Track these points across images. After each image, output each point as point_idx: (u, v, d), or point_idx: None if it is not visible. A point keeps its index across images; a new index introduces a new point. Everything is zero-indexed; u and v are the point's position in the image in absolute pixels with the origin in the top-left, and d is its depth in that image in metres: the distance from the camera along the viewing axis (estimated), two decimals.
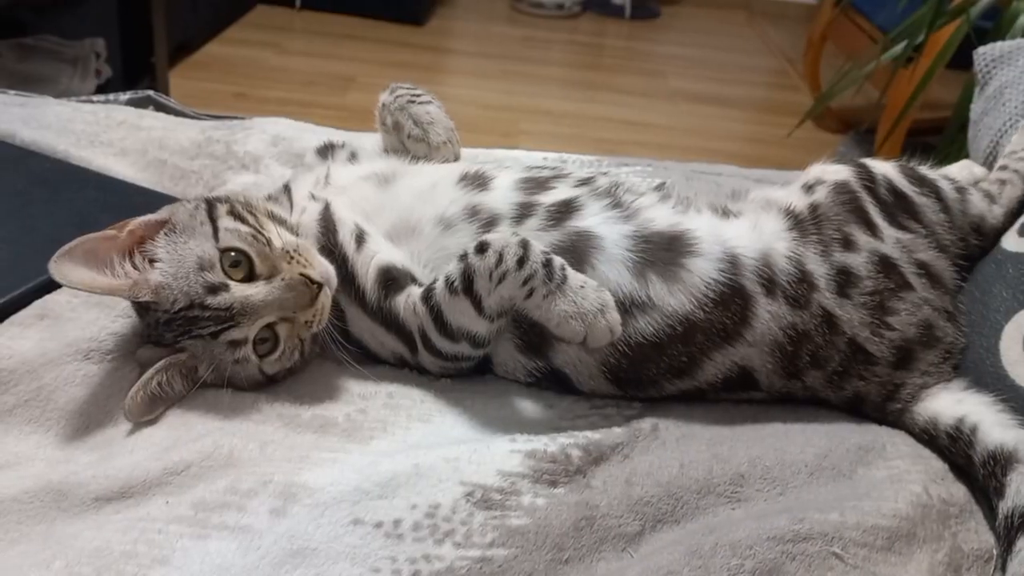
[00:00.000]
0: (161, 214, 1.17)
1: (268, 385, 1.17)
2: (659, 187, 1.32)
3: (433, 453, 1.04)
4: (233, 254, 1.11)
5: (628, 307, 1.14)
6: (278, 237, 1.15)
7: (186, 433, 1.08)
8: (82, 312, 1.23)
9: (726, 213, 1.28)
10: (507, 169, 1.31)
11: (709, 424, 1.16)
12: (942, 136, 2.63)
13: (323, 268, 1.15)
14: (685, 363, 1.16)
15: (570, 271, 1.10)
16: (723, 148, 4.28)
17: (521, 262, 1.08)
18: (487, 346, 1.18)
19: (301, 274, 1.11)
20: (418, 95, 1.40)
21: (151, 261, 1.12)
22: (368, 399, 1.17)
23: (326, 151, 1.39)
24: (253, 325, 1.10)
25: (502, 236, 1.11)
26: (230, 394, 1.14)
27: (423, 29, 5.44)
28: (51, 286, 1.23)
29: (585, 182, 1.28)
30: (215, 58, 4.66)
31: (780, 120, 4.47)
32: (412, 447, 1.08)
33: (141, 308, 1.15)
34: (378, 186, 1.28)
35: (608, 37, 5.92)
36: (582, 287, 1.09)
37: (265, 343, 1.12)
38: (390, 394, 1.18)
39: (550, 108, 4.59)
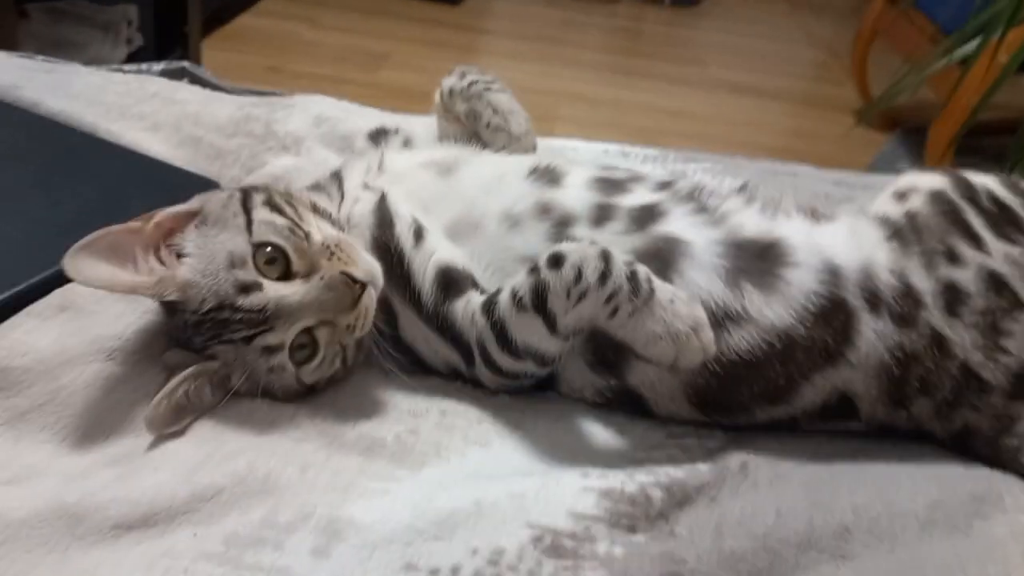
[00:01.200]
0: (192, 204, 1.05)
1: (306, 396, 1.05)
2: (742, 189, 1.18)
3: (495, 487, 0.92)
4: (268, 249, 0.99)
5: (721, 320, 1.01)
6: (318, 231, 1.03)
7: (217, 449, 0.96)
8: (108, 305, 1.11)
9: (817, 217, 1.15)
10: (579, 166, 1.18)
11: (804, 462, 1.03)
12: (1015, 139, 2.47)
13: (367, 266, 1.03)
14: (782, 386, 1.03)
15: (658, 283, 0.97)
16: (763, 141, 4.12)
17: (603, 277, 0.95)
18: (555, 364, 1.05)
19: (342, 272, 0.99)
20: (491, 82, 1.27)
21: (179, 256, 1.00)
22: (419, 417, 1.05)
23: (379, 136, 1.27)
24: (290, 329, 0.98)
25: (579, 247, 0.98)
26: (267, 406, 1.02)
27: (458, 8, 5.30)
28: None
29: (664, 186, 1.15)
30: (248, 30, 4.53)
31: (822, 114, 4.31)
32: (470, 477, 0.96)
33: (169, 308, 1.03)
34: (439, 175, 1.15)
35: (647, 23, 5.75)
36: (671, 302, 0.96)
37: (303, 349, 1.01)
38: (443, 412, 1.06)
39: (587, 93, 4.44)
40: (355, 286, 0.99)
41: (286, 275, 1.00)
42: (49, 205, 1.29)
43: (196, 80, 1.82)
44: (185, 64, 1.84)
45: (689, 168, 1.58)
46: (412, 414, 1.05)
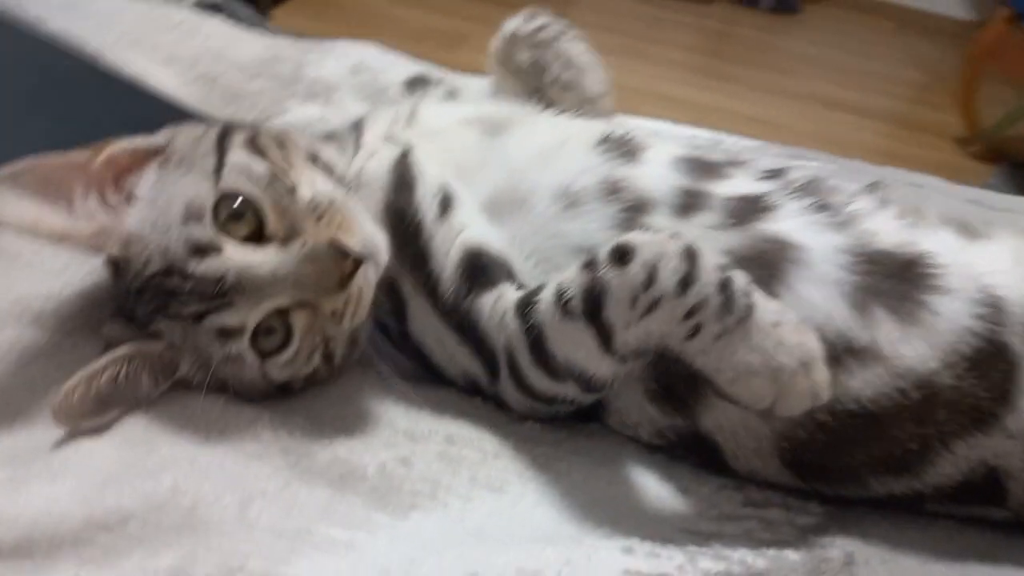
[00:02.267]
0: (156, 138, 0.82)
1: (276, 397, 0.81)
2: (871, 188, 0.90)
3: (502, 557, 0.66)
4: (238, 202, 0.75)
5: (840, 354, 0.74)
6: (309, 185, 0.78)
7: (141, 459, 0.72)
8: (48, 257, 0.88)
9: (971, 233, 0.86)
10: (663, 140, 0.91)
11: (926, 559, 0.76)
12: None
13: (366, 235, 0.78)
14: (912, 452, 0.76)
15: (759, 298, 0.71)
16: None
17: (685, 284, 0.69)
18: (604, 391, 0.79)
19: (331, 240, 0.75)
20: (565, 29, 1.01)
21: (130, 201, 0.77)
22: (417, 441, 0.80)
23: (416, 84, 1.01)
24: (254, 309, 0.74)
25: (655, 239, 0.72)
26: (222, 405, 0.78)
27: None
28: None
29: (773, 174, 0.87)
30: (327, 0, 4.37)
31: (920, 138, 3.99)
32: (472, 535, 0.70)
33: (114, 266, 0.79)
34: (483, 135, 0.90)
35: (741, 27, 5.42)
36: (776, 325, 0.69)
37: (271, 335, 0.76)
38: (449, 438, 0.81)
39: (670, 93, 4.16)
40: (346, 260, 0.74)
41: (257, 237, 0.75)
42: (27, 141, 1.06)
43: (233, 16, 1.59)
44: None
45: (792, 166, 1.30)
46: (409, 437, 0.80)
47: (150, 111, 1.18)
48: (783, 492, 0.80)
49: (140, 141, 0.80)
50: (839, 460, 0.77)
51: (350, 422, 0.80)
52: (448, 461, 0.78)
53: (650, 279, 0.69)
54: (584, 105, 0.97)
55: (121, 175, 0.79)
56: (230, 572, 0.62)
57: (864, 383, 0.74)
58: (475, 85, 1.09)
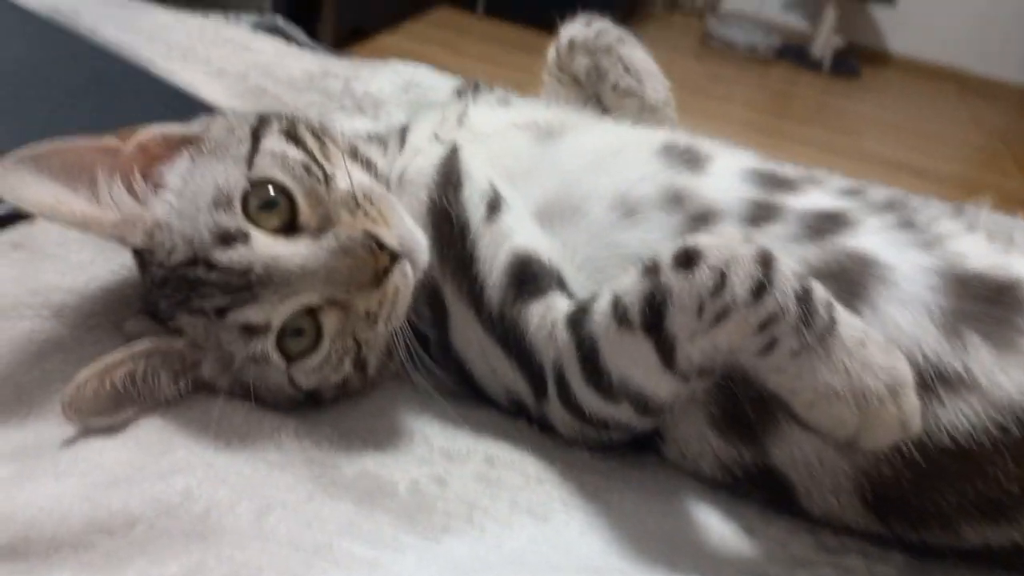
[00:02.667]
0: (192, 127, 0.77)
1: (305, 407, 0.75)
2: (956, 209, 0.83)
3: None
4: (271, 190, 0.70)
5: (930, 382, 0.66)
6: (345, 176, 0.73)
7: (155, 461, 0.66)
8: (73, 250, 0.84)
9: None
10: (731, 150, 0.84)
11: None
12: None
13: (404, 231, 0.72)
14: (1013, 497, 0.67)
15: (842, 313, 0.63)
16: None
17: (759, 291, 0.62)
18: (662, 415, 0.71)
19: (366, 231, 0.69)
20: (625, 36, 0.96)
21: (159, 189, 0.72)
22: (454, 461, 0.73)
23: (466, 90, 0.96)
24: (281, 305, 0.68)
25: (724, 241, 0.65)
26: (246, 410, 0.72)
27: None
28: None
29: (852, 193, 0.80)
30: (387, 49, 4.40)
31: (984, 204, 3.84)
32: (511, 562, 0.63)
33: (142, 260, 0.74)
34: (536, 140, 0.84)
35: (801, 87, 5.37)
36: (862, 344, 0.61)
37: (299, 337, 0.70)
38: (489, 459, 0.73)
39: None
40: (382, 254, 0.68)
41: (290, 228, 0.70)
42: (64, 132, 1.04)
43: (289, 39, 1.57)
44: (279, 20, 1.60)
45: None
46: (445, 455, 0.73)
47: (193, 113, 1.15)
48: (860, 538, 0.72)
49: (173, 128, 0.76)
50: (928, 502, 0.68)
51: (382, 436, 0.74)
52: (487, 483, 0.71)
53: (719, 285, 0.62)
54: (644, 114, 0.91)
55: (151, 163, 0.74)
56: None
57: (958, 415, 0.66)
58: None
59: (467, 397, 0.80)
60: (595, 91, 0.94)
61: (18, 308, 0.76)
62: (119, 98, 1.14)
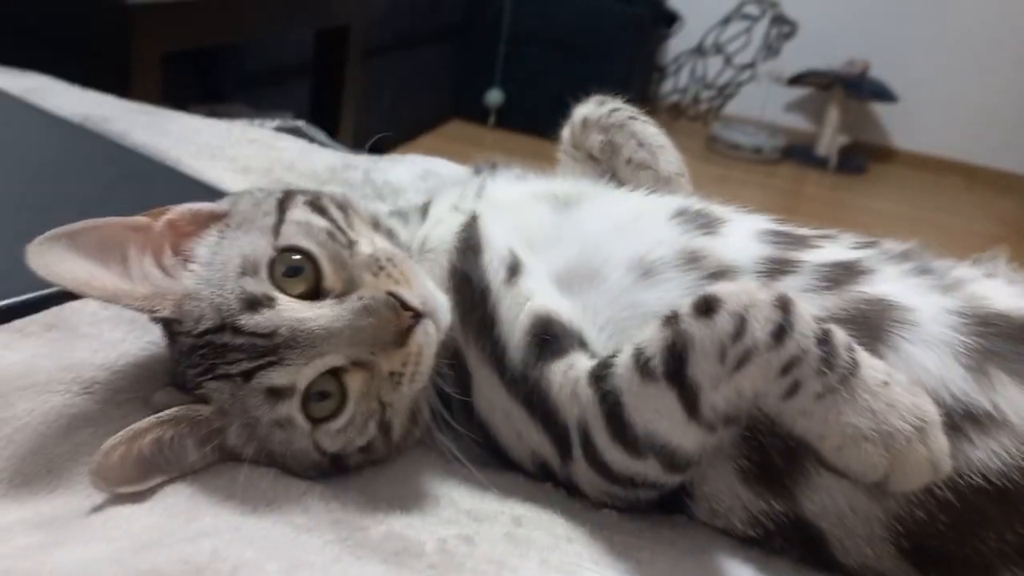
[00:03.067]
0: (220, 204, 0.80)
1: (331, 472, 0.75)
2: (975, 261, 0.84)
3: None
4: (297, 257, 0.72)
5: (958, 422, 0.66)
6: (369, 242, 0.75)
7: (183, 526, 0.66)
8: (106, 329, 0.86)
9: None
10: (744, 215, 0.86)
11: None
12: None
13: (426, 292, 0.74)
14: None
15: (863, 356, 0.63)
16: None
17: (780, 334, 0.63)
18: (690, 470, 0.71)
19: (389, 291, 0.70)
20: (636, 112, 1.00)
21: (187, 263, 0.74)
22: (482, 522, 0.72)
23: (485, 167, 0.99)
24: (306, 366, 0.69)
25: (742, 288, 0.66)
26: (272, 476, 0.72)
27: None
28: None
29: (867, 244, 0.82)
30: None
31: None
32: None
33: (171, 334, 0.76)
34: (554, 209, 0.86)
35: (808, 186, 5.46)
36: (885, 384, 0.62)
37: (325, 400, 0.71)
38: (517, 519, 0.73)
39: None
40: (404, 313, 0.70)
41: (315, 294, 0.72)
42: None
43: (313, 140, 1.63)
44: (300, 124, 1.66)
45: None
46: (472, 517, 0.73)
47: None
48: None
49: (202, 205, 0.79)
50: (965, 547, 0.66)
51: (408, 499, 0.73)
52: (516, 543, 0.70)
53: (740, 330, 0.63)
54: (659, 185, 0.93)
55: (181, 240, 0.76)
56: None
57: (989, 454, 0.65)
58: None
59: (493, 463, 0.80)
60: (610, 166, 0.97)
61: (50, 384, 0.77)
62: (148, 194, 1.18)
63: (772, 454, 0.69)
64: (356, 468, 0.76)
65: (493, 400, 0.77)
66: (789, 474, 0.69)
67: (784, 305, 0.64)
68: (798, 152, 5.61)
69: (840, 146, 5.44)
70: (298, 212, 0.76)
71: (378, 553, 0.66)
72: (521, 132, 5.15)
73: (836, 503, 0.69)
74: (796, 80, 5.56)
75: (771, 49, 5.60)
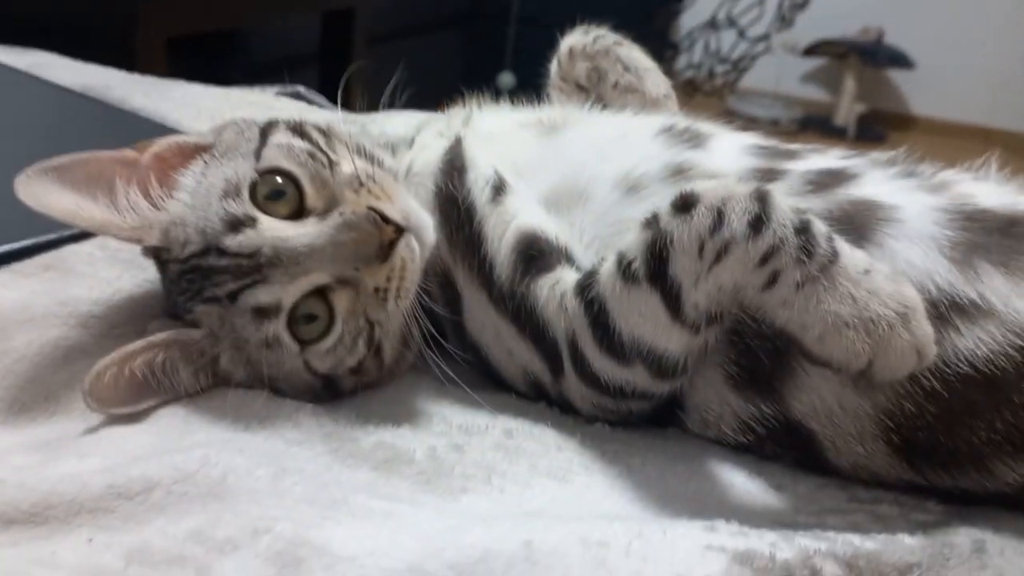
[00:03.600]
0: (205, 135, 0.81)
1: (327, 396, 0.75)
2: (965, 169, 0.84)
3: (562, 529, 0.57)
4: (279, 179, 0.72)
5: (945, 312, 0.65)
6: (350, 162, 0.76)
7: (175, 441, 0.67)
8: (102, 267, 0.87)
9: None
10: (730, 130, 0.86)
11: None
12: None
13: (408, 207, 0.74)
14: None
15: (843, 245, 0.63)
16: None
17: (757, 224, 0.62)
18: (678, 376, 0.71)
19: (370, 206, 0.71)
20: (620, 39, 1.00)
21: (174, 193, 0.75)
22: (472, 434, 0.73)
23: (472, 100, 0.98)
24: (291, 284, 0.70)
25: (720, 183, 0.66)
26: (264, 397, 0.73)
27: None
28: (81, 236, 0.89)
29: (854, 155, 0.81)
30: None
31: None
32: (529, 515, 0.62)
33: (161, 264, 0.77)
34: (540, 135, 0.86)
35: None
36: (866, 272, 0.61)
37: (312, 321, 0.71)
38: (508, 432, 0.73)
39: None
40: (386, 227, 0.70)
41: (299, 214, 0.72)
42: None
43: (313, 103, 1.64)
44: (300, 88, 1.67)
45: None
46: (464, 430, 0.73)
47: None
48: (894, 490, 0.69)
49: (188, 137, 0.80)
50: (956, 438, 0.66)
51: (400, 416, 0.74)
52: (506, 451, 0.70)
53: (717, 222, 0.63)
54: (647, 108, 0.93)
55: (167, 171, 0.77)
56: (255, 534, 0.55)
57: (976, 342, 0.64)
58: None
59: (487, 385, 0.80)
60: (598, 94, 0.97)
61: (47, 318, 0.79)
62: None
63: (759, 356, 0.69)
64: (351, 392, 0.76)
65: (483, 319, 0.78)
66: (776, 375, 0.69)
67: (761, 197, 0.64)
68: (816, 123, 5.55)
69: (858, 115, 5.38)
70: (280, 136, 0.77)
71: (368, 461, 0.67)
72: None
73: (824, 401, 0.68)
74: (811, 50, 5.50)
75: (784, 20, 5.53)
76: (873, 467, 0.69)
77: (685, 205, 0.65)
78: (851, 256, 0.62)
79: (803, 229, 0.62)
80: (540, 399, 0.79)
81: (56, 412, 0.73)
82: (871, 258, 0.64)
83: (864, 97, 5.43)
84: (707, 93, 5.86)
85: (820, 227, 0.63)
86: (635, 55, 0.96)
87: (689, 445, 0.74)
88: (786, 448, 0.72)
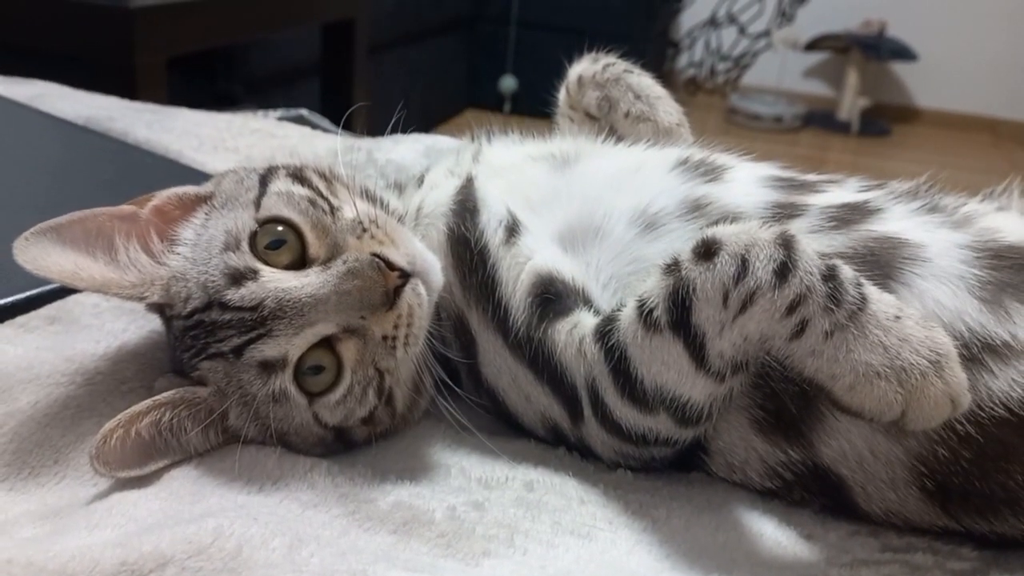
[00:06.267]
0: (205, 186, 0.79)
1: (340, 450, 0.74)
2: (986, 196, 0.81)
3: None
4: (280, 228, 0.71)
5: (977, 353, 0.63)
6: (352, 207, 0.74)
7: (188, 508, 0.65)
8: (108, 320, 0.85)
9: None
10: (748, 162, 0.84)
11: None
12: None
13: (413, 252, 0.72)
14: None
15: (873, 291, 0.61)
16: None
17: (783, 272, 0.60)
18: (703, 423, 0.69)
19: (373, 252, 0.69)
20: (630, 66, 0.98)
21: (174, 247, 0.74)
22: (492, 488, 0.71)
23: (481, 134, 0.97)
24: (296, 336, 0.68)
25: (742, 228, 0.64)
26: (278, 455, 0.71)
27: None
28: None
29: (874, 187, 0.80)
30: None
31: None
32: None
33: (166, 320, 0.75)
34: (553, 168, 0.84)
35: (832, 152, 5.37)
36: (896, 318, 0.59)
37: (320, 373, 0.69)
38: (529, 484, 0.71)
39: None
40: (391, 273, 0.68)
41: (301, 263, 0.71)
42: None
43: (316, 128, 1.62)
44: (303, 112, 1.65)
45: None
46: (483, 484, 0.71)
47: None
48: (928, 536, 0.67)
49: (187, 189, 0.78)
50: (991, 482, 0.64)
51: (417, 471, 0.72)
52: (527, 507, 0.68)
53: (742, 271, 0.61)
54: (659, 137, 0.91)
55: (168, 225, 0.76)
56: None
57: (1011, 384, 0.63)
58: None
59: (504, 431, 0.78)
60: (608, 122, 0.95)
61: (53, 376, 0.77)
62: (151, 188, 1.18)
63: (785, 400, 0.67)
64: (364, 442, 0.74)
65: (499, 364, 0.76)
66: (804, 420, 0.67)
67: (786, 243, 0.62)
68: (819, 118, 5.52)
69: (861, 109, 5.34)
70: (279, 183, 0.75)
71: (387, 524, 0.65)
72: (538, 117, 5.09)
73: (855, 447, 0.66)
74: (812, 45, 5.47)
75: (785, 15, 5.52)
76: (906, 513, 0.67)
77: (707, 252, 0.63)
78: (880, 301, 0.60)
79: (830, 276, 0.60)
80: (559, 445, 0.77)
81: (65, 476, 0.71)
82: (900, 302, 0.62)
83: (867, 91, 5.40)
84: (709, 91, 5.84)
85: (847, 272, 0.61)
86: (645, 83, 0.94)
87: (715, 492, 0.72)
88: (815, 494, 0.70)
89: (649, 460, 0.73)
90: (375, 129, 3.56)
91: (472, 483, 0.71)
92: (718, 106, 5.69)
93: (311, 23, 3.16)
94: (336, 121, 2.01)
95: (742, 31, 5.65)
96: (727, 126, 5.52)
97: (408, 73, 4.25)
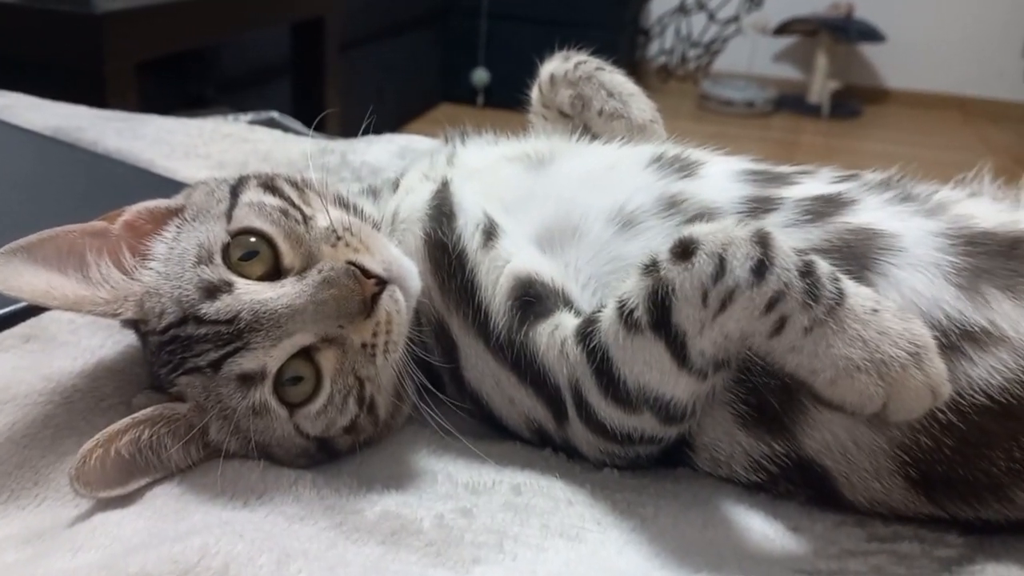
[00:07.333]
0: (175, 198, 0.79)
1: (322, 459, 0.73)
2: (959, 183, 0.82)
3: None
4: (252, 239, 0.70)
5: (956, 342, 0.64)
6: (325, 215, 0.73)
7: (173, 527, 0.64)
8: (84, 336, 0.84)
9: None
10: (722, 156, 0.84)
11: None
12: None
13: (389, 258, 0.71)
14: None
15: (849, 284, 0.61)
16: None
17: (760, 269, 0.60)
18: (687, 420, 0.69)
19: (349, 261, 0.68)
20: (602, 64, 0.97)
21: (146, 261, 0.73)
22: (479, 494, 0.70)
23: (455, 135, 0.96)
24: (274, 348, 0.67)
25: (719, 227, 0.64)
26: (261, 468, 0.71)
27: None
28: None
29: (847, 178, 0.80)
30: None
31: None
32: None
33: (142, 336, 0.74)
34: (528, 169, 0.84)
35: (804, 135, 5.40)
36: (874, 311, 0.59)
37: (299, 383, 0.69)
38: (516, 488, 0.71)
39: None
40: (367, 281, 0.68)
41: (276, 273, 0.70)
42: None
43: (287, 131, 1.61)
44: (274, 114, 1.64)
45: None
46: (470, 489, 0.71)
47: None
48: (914, 524, 0.68)
49: (158, 202, 0.77)
50: (974, 469, 0.64)
51: (403, 478, 0.72)
52: (515, 511, 0.68)
53: (720, 270, 0.61)
54: (633, 134, 0.91)
55: (140, 239, 0.75)
56: None
57: (990, 371, 0.63)
58: None
59: (489, 435, 0.78)
60: (582, 120, 0.95)
61: (31, 395, 0.76)
62: (123, 198, 1.16)
63: (767, 394, 0.67)
64: (347, 452, 0.74)
65: (482, 368, 0.76)
66: (787, 413, 0.67)
67: (763, 240, 0.62)
68: (790, 102, 5.55)
69: (832, 92, 5.37)
70: (251, 194, 0.74)
71: (375, 535, 0.65)
72: (511, 109, 5.07)
73: (838, 438, 0.67)
74: (781, 29, 5.49)
75: (754, 0, 5.53)
76: (891, 502, 0.68)
77: (685, 252, 0.63)
78: (858, 295, 0.61)
79: (807, 271, 0.61)
80: (545, 446, 0.77)
81: (47, 498, 0.70)
82: (877, 294, 0.62)
83: (837, 73, 5.43)
84: (681, 79, 5.85)
85: (824, 267, 0.61)
86: (618, 80, 0.94)
87: (701, 488, 0.73)
88: (800, 486, 0.70)
89: (635, 458, 0.73)
90: (349, 125, 3.54)
91: (459, 489, 0.71)
92: (690, 93, 5.70)
93: (280, 23, 3.13)
94: (310, 121, 2.00)
95: (712, 17, 5.66)
96: (700, 112, 5.54)
97: (381, 69, 4.23)
